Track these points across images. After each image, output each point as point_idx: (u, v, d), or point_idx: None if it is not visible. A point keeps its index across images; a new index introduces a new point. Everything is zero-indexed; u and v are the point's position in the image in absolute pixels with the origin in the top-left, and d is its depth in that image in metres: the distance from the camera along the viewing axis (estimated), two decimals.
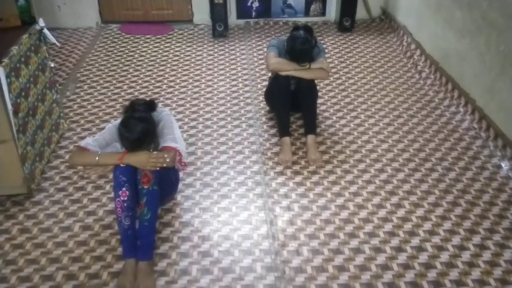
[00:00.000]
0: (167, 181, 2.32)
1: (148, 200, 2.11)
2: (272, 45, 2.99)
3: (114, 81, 3.76)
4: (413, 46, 4.13)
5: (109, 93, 3.59)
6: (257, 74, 3.85)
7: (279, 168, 2.80)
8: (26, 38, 2.59)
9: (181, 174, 2.71)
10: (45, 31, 2.80)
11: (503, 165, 2.80)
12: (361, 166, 2.81)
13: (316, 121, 3.00)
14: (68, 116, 3.28)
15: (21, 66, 2.51)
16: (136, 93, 3.58)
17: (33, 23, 2.74)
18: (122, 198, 2.10)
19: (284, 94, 2.91)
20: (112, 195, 2.35)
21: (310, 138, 2.89)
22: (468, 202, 2.54)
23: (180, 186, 2.61)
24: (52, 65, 3.03)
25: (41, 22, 2.77)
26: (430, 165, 2.82)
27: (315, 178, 2.72)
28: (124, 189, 2.10)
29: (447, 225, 2.38)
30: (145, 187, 2.11)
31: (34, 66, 2.68)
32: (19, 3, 2.68)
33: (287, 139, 2.89)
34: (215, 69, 3.96)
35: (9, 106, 2.32)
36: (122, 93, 3.59)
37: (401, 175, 2.73)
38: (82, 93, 3.60)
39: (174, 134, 2.27)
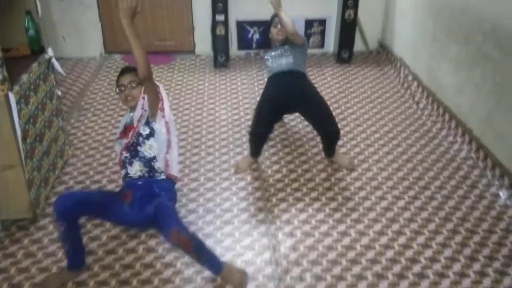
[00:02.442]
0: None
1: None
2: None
3: (117, 109, 3.83)
4: (410, 78, 4.24)
5: (113, 121, 3.65)
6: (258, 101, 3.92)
7: (281, 195, 2.84)
8: (35, 66, 2.67)
9: (183, 200, 2.75)
10: (53, 60, 2.88)
11: (501, 193, 2.85)
12: (362, 193, 2.86)
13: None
14: (73, 143, 3.33)
15: (31, 94, 2.57)
16: None
17: (42, 52, 2.82)
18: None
19: (258, 139, 3.05)
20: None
21: (335, 155, 3.14)
22: (468, 230, 2.58)
23: (183, 211, 2.64)
24: (59, 93, 3.10)
25: (50, 52, 2.86)
26: (429, 193, 2.87)
27: (316, 204, 2.76)
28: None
29: (448, 252, 2.42)
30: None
31: (43, 94, 2.75)
32: (29, 33, 2.76)
33: (253, 159, 3.12)
34: (217, 98, 4.04)
35: (19, 132, 2.37)
36: None
37: (401, 203, 2.78)
38: (86, 121, 3.66)
39: None
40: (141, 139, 2.31)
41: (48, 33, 4.44)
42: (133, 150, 2.32)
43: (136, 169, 2.31)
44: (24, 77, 2.50)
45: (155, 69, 4.57)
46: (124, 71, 2.37)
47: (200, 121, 3.67)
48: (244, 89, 4.20)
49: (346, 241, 2.49)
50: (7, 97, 2.28)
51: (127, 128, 2.37)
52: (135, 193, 2.28)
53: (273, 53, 3.24)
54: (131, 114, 2.36)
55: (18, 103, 2.37)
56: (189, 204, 2.74)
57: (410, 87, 4.16)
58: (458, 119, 3.45)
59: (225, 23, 4.46)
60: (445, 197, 2.83)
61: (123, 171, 2.38)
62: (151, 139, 2.30)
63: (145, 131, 2.31)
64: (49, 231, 2.53)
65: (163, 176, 2.35)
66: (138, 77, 2.25)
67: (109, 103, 3.93)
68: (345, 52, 4.75)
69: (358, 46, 4.95)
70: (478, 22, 3.16)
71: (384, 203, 2.77)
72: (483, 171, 3.06)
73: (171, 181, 2.40)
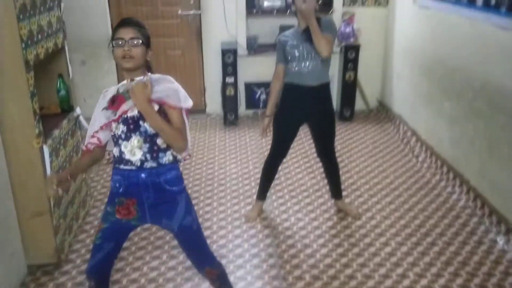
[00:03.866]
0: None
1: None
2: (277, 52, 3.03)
3: None
4: (409, 133, 4.49)
5: None
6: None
7: (290, 241, 3.00)
8: (65, 123, 2.94)
9: None
10: (80, 118, 3.16)
11: (498, 239, 3.00)
12: (367, 240, 3.02)
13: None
14: (93, 195, 3.54)
15: (60, 147, 2.82)
16: None
17: (71, 111, 3.10)
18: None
19: (274, 166, 3.21)
20: (133, 265, 2.52)
21: (342, 202, 3.33)
22: (468, 273, 2.71)
23: None
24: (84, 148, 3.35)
25: (78, 110, 3.14)
26: (431, 239, 3.02)
27: (324, 250, 2.91)
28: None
29: None
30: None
31: (70, 148, 3.00)
32: (61, 93, 3.05)
33: (260, 203, 3.31)
34: (227, 153, 4.29)
35: None
36: None
37: (404, 248, 2.93)
38: (105, 175, 3.90)
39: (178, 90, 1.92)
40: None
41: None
42: (132, 123, 1.89)
43: (134, 145, 1.90)
44: (56, 132, 2.76)
45: None
46: (125, 22, 1.91)
47: (212, 175, 3.90)
48: (252, 145, 4.45)
49: (353, 283, 2.62)
50: (41, 149, 2.53)
51: (118, 98, 1.92)
52: (142, 205, 1.95)
53: (295, 42, 2.90)
54: (126, 82, 1.93)
55: (50, 155, 2.62)
56: None
57: (409, 142, 4.41)
58: (456, 171, 3.65)
59: (235, 84, 4.81)
60: (446, 243, 2.99)
61: (116, 150, 1.95)
62: None
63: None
64: (72, 275, 2.69)
65: (167, 156, 1.96)
66: (143, 36, 1.89)
67: None
68: (347, 111, 5.05)
69: (359, 105, 5.26)
70: (469, 80, 3.44)
71: (388, 249, 2.93)
72: (481, 218, 3.22)
73: (176, 163, 2.01)
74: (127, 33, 1.86)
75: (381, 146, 4.43)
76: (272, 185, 3.33)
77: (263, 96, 5.16)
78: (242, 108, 5.16)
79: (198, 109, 5.18)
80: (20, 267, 2.64)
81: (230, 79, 4.78)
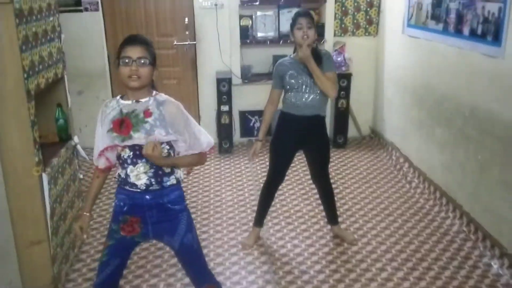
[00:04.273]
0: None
1: None
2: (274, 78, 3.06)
3: None
4: (401, 160, 4.56)
5: None
6: (261, 185, 4.18)
7: (287, 268, 3.01)
8: (63, 151, 2.97)
9: None
10: (78, 147, 3.20)
11: (492, 263, 3.03)
12: (363, 265, 3.04)
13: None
14: (89, 225, 3.53)
15: (58, 176, 2.84)
16: None
17: (69, 139, 3.13)
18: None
19: (271, 192, 3.23)
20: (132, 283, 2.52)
21: (338, 228, 3.36)
22: None
23: None
24: (81, 176, 3.37)
25: (76, 139, 3.18)
26: (426, 264, 3.05)
27: (321, 276, 2.93)
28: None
29: None
30: None
31: (67, 176, 3.02)
32: (59, 122, 3.10)
33: (257, 230, 3.31)
34: (223, 181, 4.32)
35: (48, 210, 2.61)
36: None
37: (400, 274, 2.95)
38: (101, 204, 3.90)
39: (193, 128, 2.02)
40: None
41: None
42: (138, 149, 1.92)
43: (140, 171, 1.94)
44: (54, 161, 2.79)
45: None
46: (132, 40, 1.89)
47: (207, 202, 3.92)
48: (247, 173, 4.49)
49: None
50: (40, 177, 2.55)
51: (125, 122, 1.92)
52: (145, 222, 2.00)
53: (294, 73, 2.92)
54: (130, 102, 1.93)
55: (49, 183, 2.64)
56: None
57: (402, 168, 4.47)
58: (448, 196, 3.71)
59: (229, 112, 4.88)
60: (441, 267, 3.01)
61: (121, 172, 1.99)
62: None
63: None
64: (78, 283, 2.67)
65: (171, 180, 2.01)
66: (150, 55, 1.90)
67: None
68: (340, 138, 5.12)
69: (352, 132, 5.34)
70: (458, 107, 3.54)
71: (384, 274, 2.95)
72: (475, 243, 3.26)
73: (179, 184, 2.07)
74: (134, 52, 1.86)
75: (375, 173, 4.49)
76: (268, 212, 3.35)
77: (257, 124, 5.23)
78: (236, 136, 5.22)
79: None
80: None
81: (225, 107, 4.86)
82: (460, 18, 3.44)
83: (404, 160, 4.52)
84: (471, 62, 3.33)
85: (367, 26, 5.13)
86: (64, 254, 2.89)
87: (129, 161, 1.95)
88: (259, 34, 4.98)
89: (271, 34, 4.99)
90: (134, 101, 1.95)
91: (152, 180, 1.96)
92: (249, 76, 5.06)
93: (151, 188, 1.97)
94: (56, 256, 2.72)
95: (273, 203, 3.36)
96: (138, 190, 1.97)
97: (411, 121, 4.42)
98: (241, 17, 4.93)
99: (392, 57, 4.80)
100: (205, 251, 3.19)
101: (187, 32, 4.94)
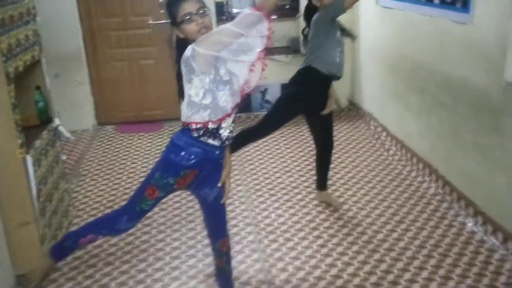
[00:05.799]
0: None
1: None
2: None
3: (114, 173, 4.12)
4: (379, 129, 4.68)
5: (110, 184, 3.94)
6: (245, 165, 4.26)
7: (272, 236, 3.11)
8: (45, 134, 2.99)
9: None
10: (61, 128, 3.21)
11: (467, 222, 3.19)
12: (345, 230, 3.16)
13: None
14: (75, 205, 3.58)
15: (42, 157, 2.87)
16: (135, 182, 3.93)
17: (50, 122, 3.14)
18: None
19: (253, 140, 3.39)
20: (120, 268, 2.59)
21: (327, 193, 3.47)
22: (441, 254, 2.88)
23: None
24: (64, 157, 3.40)
25: (57, 121, 3.19)
26: (405, 226, 3.19)
27: (305, 242, 3.04)
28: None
29: (425, 274, 2.71)
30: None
31: (51, 158, 3.04)
32: (39, 105, 3.10)
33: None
34: None
35: (34, 191, 2.64)
36: (122, 183, 3.94)
37: (380, 236, 3.08)
38: (85, 185, 3.94)
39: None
40: None
41: None
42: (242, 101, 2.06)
43: (229, 123, 2.04)
44: (37, 143, 2.81)
45: (146, 136, 4.92)
46: None
47: None
48: None
49: (333, 271, 2.76)
50: (24, 159, 2.58)
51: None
52: (198, 175, 2.07)
53: (327, 27, 2.98)
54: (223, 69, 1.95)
55: (33, 165, 2.67)
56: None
57: (380, 137, 4.59)
58: (425, 161, 3.84)
59: None
60: (419, 228, 3.15)
61: (225, 133, 2.02)
62: None
63: None
64: (60, 283, 2.73)
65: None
66: (203, 1, 1.91)
67: (105, 169, 4.23)
68: None
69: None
70: (432, 74, 3.64)
71: (365, 237, 3.07)
72: (450, 204, 3.41)
73: None
74: (192, 6, 1.86)
75: (354, 143, 4.60)
76: (251, 185, 3.44)
77: None
78: None
79: (174, 117, 5.25)
80: (8, 278, 2.67)
81: None
82: None
83: (382, 129, 4.64)
84: (443, 29, 3.42)
85: None
86: (52, 234, 2.93)
87: (231, 120, 2.04)
88: (235, 10, 4.99)
89: (246, 9, 4.99)
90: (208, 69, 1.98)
91: (230, 135, 2.05)
92: None
93: (226, 142, 2.05)
94: (44, 236, 2.76)
95: (255, 176, 3.45)
96: (217, 144, 2.02)
97: (388, 91, 4.52)
98: None
99: (367, 28, 4.87)
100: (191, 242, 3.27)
101: (162, 11, 4.91)
